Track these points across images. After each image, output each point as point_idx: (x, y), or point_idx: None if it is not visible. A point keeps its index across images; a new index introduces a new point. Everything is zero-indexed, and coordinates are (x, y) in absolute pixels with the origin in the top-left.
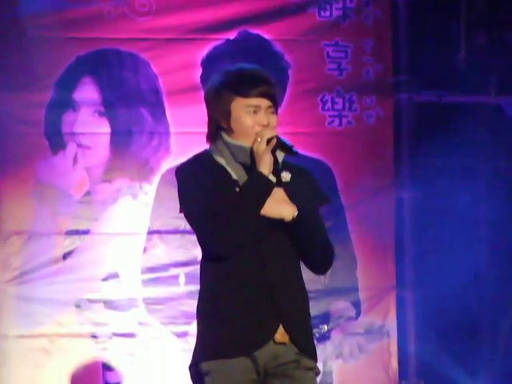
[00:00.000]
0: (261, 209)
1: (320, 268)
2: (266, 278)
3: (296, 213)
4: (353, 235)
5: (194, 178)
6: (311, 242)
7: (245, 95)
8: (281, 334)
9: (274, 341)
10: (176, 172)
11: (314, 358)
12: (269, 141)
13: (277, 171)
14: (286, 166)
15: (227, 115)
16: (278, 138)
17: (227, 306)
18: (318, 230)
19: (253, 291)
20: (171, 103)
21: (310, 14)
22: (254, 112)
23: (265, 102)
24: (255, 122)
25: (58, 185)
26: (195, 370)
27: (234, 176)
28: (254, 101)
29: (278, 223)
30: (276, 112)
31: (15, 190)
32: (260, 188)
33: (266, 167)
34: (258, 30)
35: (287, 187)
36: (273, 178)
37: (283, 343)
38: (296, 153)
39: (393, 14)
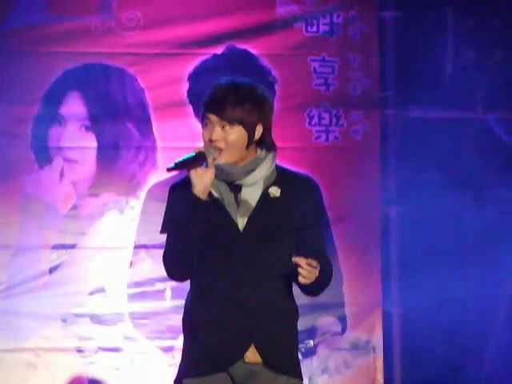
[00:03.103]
0: (198, 228)
1: (316, 294)
2: (237, 297)
3: None
4: (339, 250)
5: (173, 202)
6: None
7: (203, 111)
8: (252, 354)
9: (244, 360)
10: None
11: (294, 375)
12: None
13: None
14: (284, 178)
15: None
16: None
17: (200, 323)
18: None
19: (224, 310)
20: (158, 118)
21: (297, 29)
22: (207, 126)
23: (213, 117)
24: (207, 137)
25: (44, 199)
26: None
27: (215, 194)
28: (207, 115)
29: (262, 241)
30: (250, 127)
31: (1, 203)
32: (190, 209)
33: (194, 187)
34: (245, 45)
35: (277, 203)
36: (204, 196)
37: (254, 363)
38: (168, 169)
39: (380, 29)
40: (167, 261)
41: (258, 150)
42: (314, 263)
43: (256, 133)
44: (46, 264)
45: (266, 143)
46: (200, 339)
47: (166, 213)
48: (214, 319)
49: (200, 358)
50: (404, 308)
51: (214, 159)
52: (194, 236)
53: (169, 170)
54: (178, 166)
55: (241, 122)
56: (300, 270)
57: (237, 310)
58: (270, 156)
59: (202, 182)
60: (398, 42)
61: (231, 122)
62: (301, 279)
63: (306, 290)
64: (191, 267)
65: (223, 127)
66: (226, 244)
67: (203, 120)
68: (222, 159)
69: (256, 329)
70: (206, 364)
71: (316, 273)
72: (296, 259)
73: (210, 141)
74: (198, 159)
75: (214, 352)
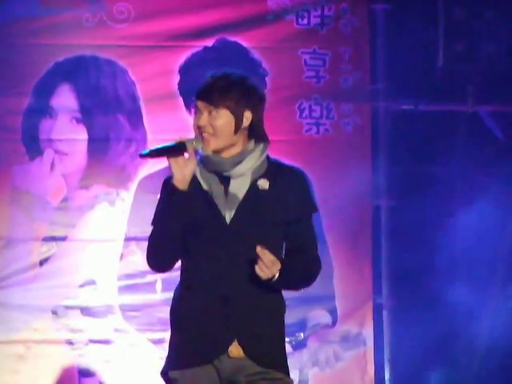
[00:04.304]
0: (176, 219)
1: (297, 289)
2: (222, 290)
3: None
4: (330, 243)
5: (163, 195)
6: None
7: (194, 100)
8: (235, 349)
9: (228, 355)
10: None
11: (282, 369)
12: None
13: None
14: (274, 171)
15: None
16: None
17: (185, 316)
18: (303, 271)
19: (209, 303)
20: (149, 110)
21: (288, 21)
22: (196, 115)
23: (201, 104)
24: (195, 124)
25: (34, 191)
26: (165, 377)
27: (205, 187)
28: (196, 104)
29: (249, 234)
30: (236, 112)
31: None
32: (167, 200)
33: (173, 177)
34: (236, 37)
35: (265, 195)
36: (183, 187)
37: (239, 358)
38: (140, 155)
39: (371, 22)
40: (146, 250)
41: (248, 142)
42: (271, 259)
43: (244, 119)
44: (36, 256)
45: (257, 134)
46: (185, 332)
47: (157, 205)
48: (198, 312)
49: (184, 350)
50: (394, 300)
51: (195, 150)
52: (169, 227)
53: (141, 156)
54: (152, 154)
55: (227, 107)
56: (259, 262)
57: (221, 304)
58: (259, 148)
59: (181, 172)
60: (389, 34)
61: (217, 106)
62: (258, 271)
63: (285, 284)
64: (164, 259)
65: (210, 113)
66: (212, 237)
67: (194, 110)
68: (210, 145)
69: (239, 323)
70: (190, 357)
71: (274, 271)
72: (258, 250)
73: (198, 127)
74: (178, 149)
75: (198, 345)
